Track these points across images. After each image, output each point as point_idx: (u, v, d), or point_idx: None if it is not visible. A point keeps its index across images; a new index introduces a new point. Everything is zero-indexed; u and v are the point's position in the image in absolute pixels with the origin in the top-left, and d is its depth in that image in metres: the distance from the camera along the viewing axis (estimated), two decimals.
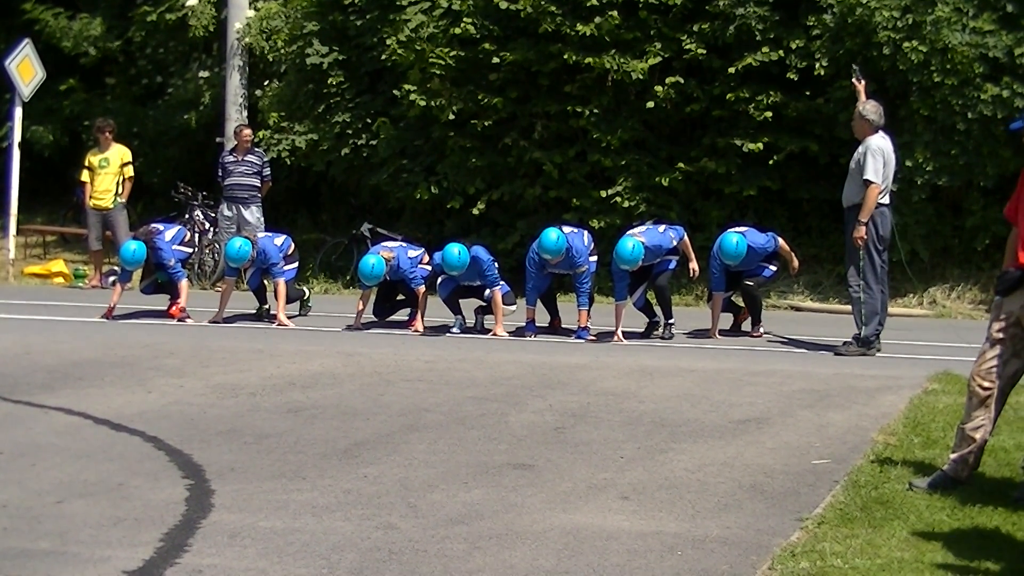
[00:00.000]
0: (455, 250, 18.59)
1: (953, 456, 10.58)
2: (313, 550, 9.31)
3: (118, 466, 11.72)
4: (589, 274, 18.87)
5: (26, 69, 26.96)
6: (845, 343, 17.53)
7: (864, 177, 17.11)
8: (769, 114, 23.54)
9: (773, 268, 19.87)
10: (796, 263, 19.98)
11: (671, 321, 19.08)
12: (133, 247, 19.69)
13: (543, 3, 23.93)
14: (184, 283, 20.50)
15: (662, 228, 19.06)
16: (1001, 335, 10.23)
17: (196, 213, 26.42)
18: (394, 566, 8.95)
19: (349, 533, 9.73)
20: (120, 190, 25.20)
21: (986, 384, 10.30)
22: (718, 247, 19.10)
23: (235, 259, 19.65)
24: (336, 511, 10.32)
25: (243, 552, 9.23)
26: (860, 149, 17.43)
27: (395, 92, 25.36)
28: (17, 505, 10.39)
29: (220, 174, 25.34)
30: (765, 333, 19.54)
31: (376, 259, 18.99)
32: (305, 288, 21.94)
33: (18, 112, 27.05)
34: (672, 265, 18.99)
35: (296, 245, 23.59)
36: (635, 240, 18.16)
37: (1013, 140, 21.59)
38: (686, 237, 18.98)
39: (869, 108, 16.93)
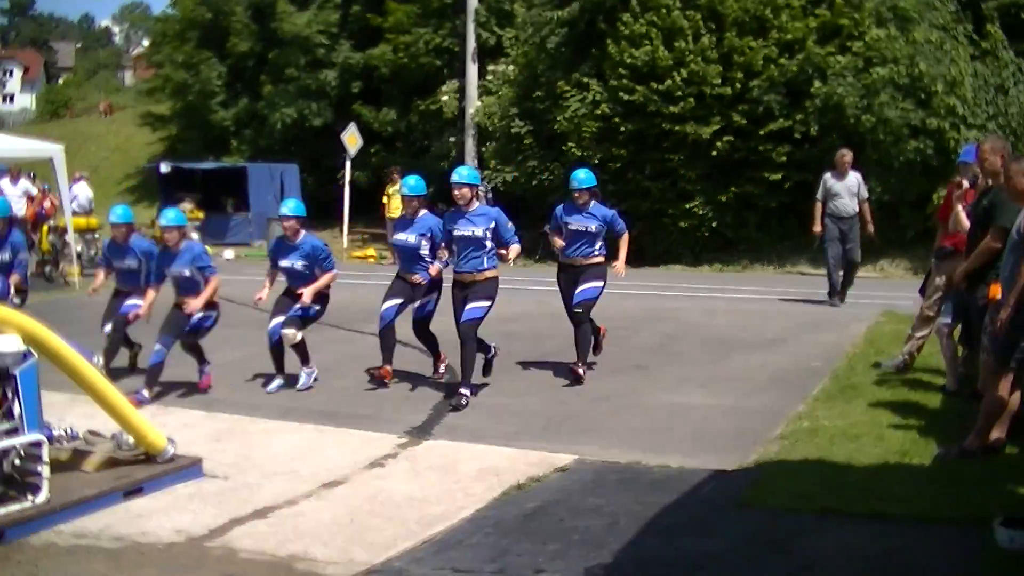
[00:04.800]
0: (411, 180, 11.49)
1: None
2: (518, 415, 10.27)
3: (405, 367, 12.43)
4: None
5: (352, 139, 28.85)
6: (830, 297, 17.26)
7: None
8: (784, 158, 24.42)
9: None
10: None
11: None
12: None
13: (648, 94, 24.81)
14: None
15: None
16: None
17: None
18: (567, 424, 9.93)
19: (538, 406, 10.63)
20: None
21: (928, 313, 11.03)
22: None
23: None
24: (530, 394, 11.22)
25: (478, 418, 10.18)
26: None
27: (563, 147, 26.21)
28: (350, 388, 11.60)
29: None
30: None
31: None
32: None
33: (348, 164, 28.88)
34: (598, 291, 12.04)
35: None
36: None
37: (925, 170, 22.83)
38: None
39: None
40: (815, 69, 24.47)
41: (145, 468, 8.22)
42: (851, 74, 24.11)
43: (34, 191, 25.39)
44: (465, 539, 6.86)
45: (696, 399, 10.91)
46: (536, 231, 26.62)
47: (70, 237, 22.38)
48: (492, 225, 10.76)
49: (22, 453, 7.31)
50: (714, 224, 25.54)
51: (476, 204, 10.80)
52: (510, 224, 10.82)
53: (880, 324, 15.05)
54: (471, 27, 30.28)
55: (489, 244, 10.78)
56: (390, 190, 26.83)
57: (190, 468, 8.46)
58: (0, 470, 7.22)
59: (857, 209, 17.06)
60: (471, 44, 30.07)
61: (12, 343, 7.38)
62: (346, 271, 22.88)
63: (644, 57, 25.26)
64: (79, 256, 22.79)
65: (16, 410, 7.40)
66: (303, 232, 11.61)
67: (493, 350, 11.58)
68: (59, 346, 7.84)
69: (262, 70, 36.83)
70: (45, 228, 24.58)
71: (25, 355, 7.48)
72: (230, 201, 33.58)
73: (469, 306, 10.65)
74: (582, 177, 11.97)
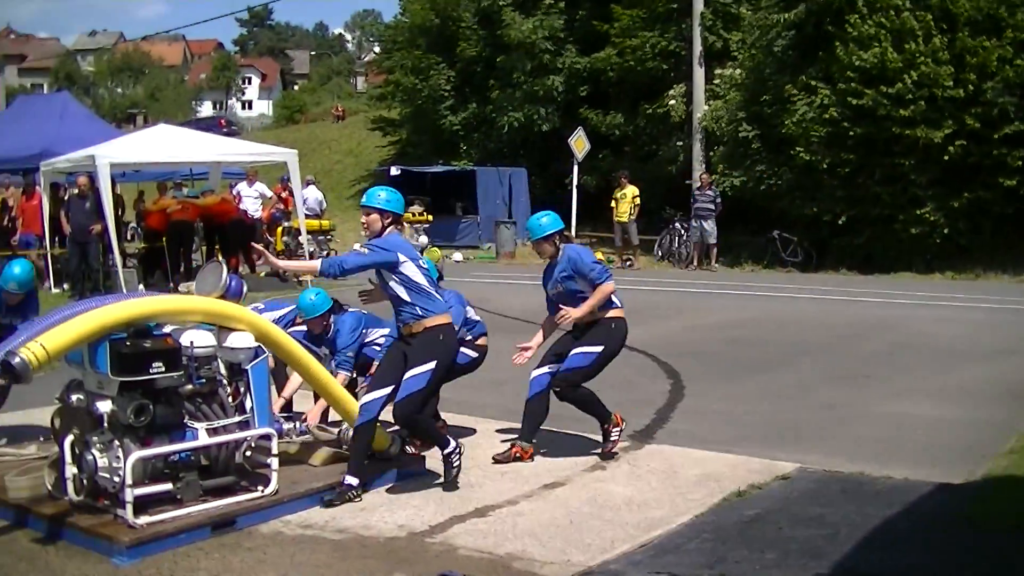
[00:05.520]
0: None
1: None
2: (741, 422, 10.35)
3: (629, 371, 12.53)
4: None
5: (579, 143, 29.36)
6: None
7: None
8: (1020, 163, 23.67)
9: None
10: None
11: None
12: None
13: (877, 97, 24.29)
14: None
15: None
16: None
17: (675, 224, 28.20)
18: (791, 432, 9.91)
19: (763, 413, 10.71)
20: (632, 212, 26.92)
21: None
22: None
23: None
24: (754, 401, 11.31)
25: (701, 423, 10.28)
26: None
27: (791, 152, 25.94)
28: None
29: (692, 201, 27.14)
30: None
31: None
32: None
33: (575, 168, 29.27)
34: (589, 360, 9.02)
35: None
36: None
37: None
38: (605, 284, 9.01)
39: None
40: None
41: (370, 464, 8.37)
42: None
43: (269, 193, 26.46)
44: (683, 544, 6.86)
45: (924, 410, 10.78)
46: (763, 236, 26.72)
47: (303, 238, 23.29)
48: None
49: (253, 445, 7.62)
50: (946, 231, 24.89)
51: (391, 234, 8.16)
52: (395, 254, 7.96)
53: None
54: (697, 31, 30.04)
55: (403, 290, 8.02)
56: (617, 194, 27.46)
57: (414, 465, 8.69)
58: (232, 461, 7.58)
59: None
60: (697, 48, 29.96)
61: (245, 340, 7.70)
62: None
63: (873, 59, 24.83)
64: (311, 256, 23.63)
65: (248, 404, 7.78)
66: (333, 321, 9.66)
67: (454, 446, 8.37)
68: (288, 343, 8.18)
69: (490, 75, 37.37)
70: (280, 230, 25.61)
71: (256, 352, 7.80)
72: (459, 204, 34.18)
73: (407, 376, 7.95)
74: (542, 223, 9.19)
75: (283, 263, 8.21)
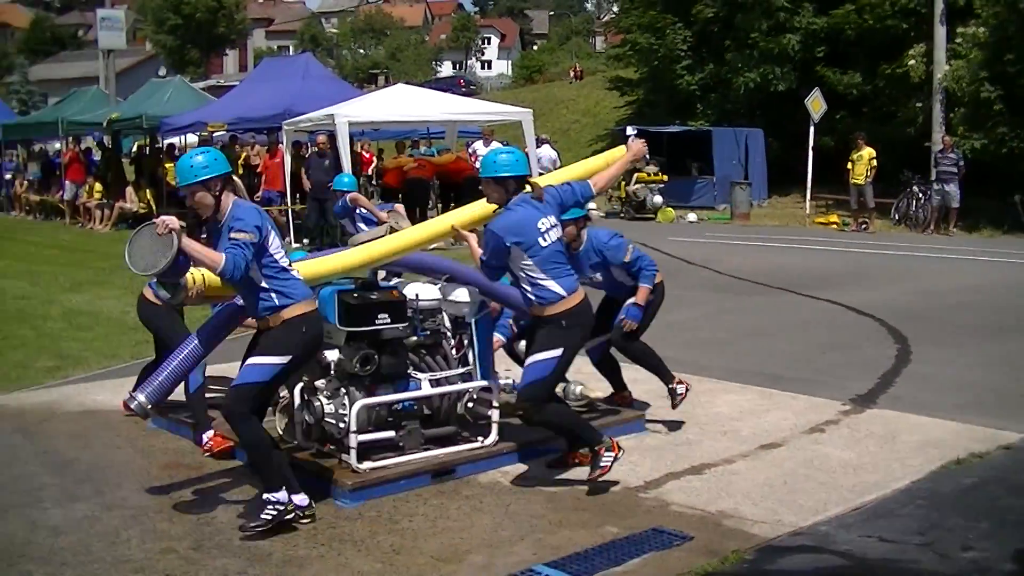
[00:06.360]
0: None
1: None
2: (967, 388, 10.08)
3: (855, 334, 12.97)
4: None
5: (816, 104, 28.61)
6: None
7: None
8: None
9: None
10: None
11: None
12: None
13: None
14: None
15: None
16: None
17: (913, 187, 27.58)
18: (1016, 401, 9.67)
19: (990, 380, 10.46)
20: (869, 174, 26.27)
21: None
22: None
23: None
24: (981, 367, 11.01)
25: (925, 389, 10.06)
26: None
27: None
28: (798, 353, 11.67)
29: (933, 164, 26.69)
30: None
31: None
32: None
33: (812, 129, 28.51)
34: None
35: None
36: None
37: None
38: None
39: None
40: None
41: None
42: None
43: None
44: (896, 509, 6.85)
45: None
46: (1004, 201, 25.93)
47: None
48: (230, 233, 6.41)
49: (475, 397, 7.85)
50: None
51: (230, 205, 6.55)
52: (240, 234, 6.34)
53: None
54: None
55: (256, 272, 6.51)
56: (854, 156, 26.94)
57: (633, 422, 8.82)
58: (454, 411, 7.84)
59: None
60: (939, 5, 29.11)
61: (470, 294, 7.88)
62: (807, 236, 25.64)
63: None
64: None
65: (471, 357, 7.96)
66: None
67: (303, 503, 6.64)
68: None
69: (727, 35, 37.01)
70: None
71: (480, 306, 7.95)
72: (694, 165, 34.09)
73: (250, 360, 6.72)
74: (497, 159, 7.47)
75: (191, 244, 6.26)
